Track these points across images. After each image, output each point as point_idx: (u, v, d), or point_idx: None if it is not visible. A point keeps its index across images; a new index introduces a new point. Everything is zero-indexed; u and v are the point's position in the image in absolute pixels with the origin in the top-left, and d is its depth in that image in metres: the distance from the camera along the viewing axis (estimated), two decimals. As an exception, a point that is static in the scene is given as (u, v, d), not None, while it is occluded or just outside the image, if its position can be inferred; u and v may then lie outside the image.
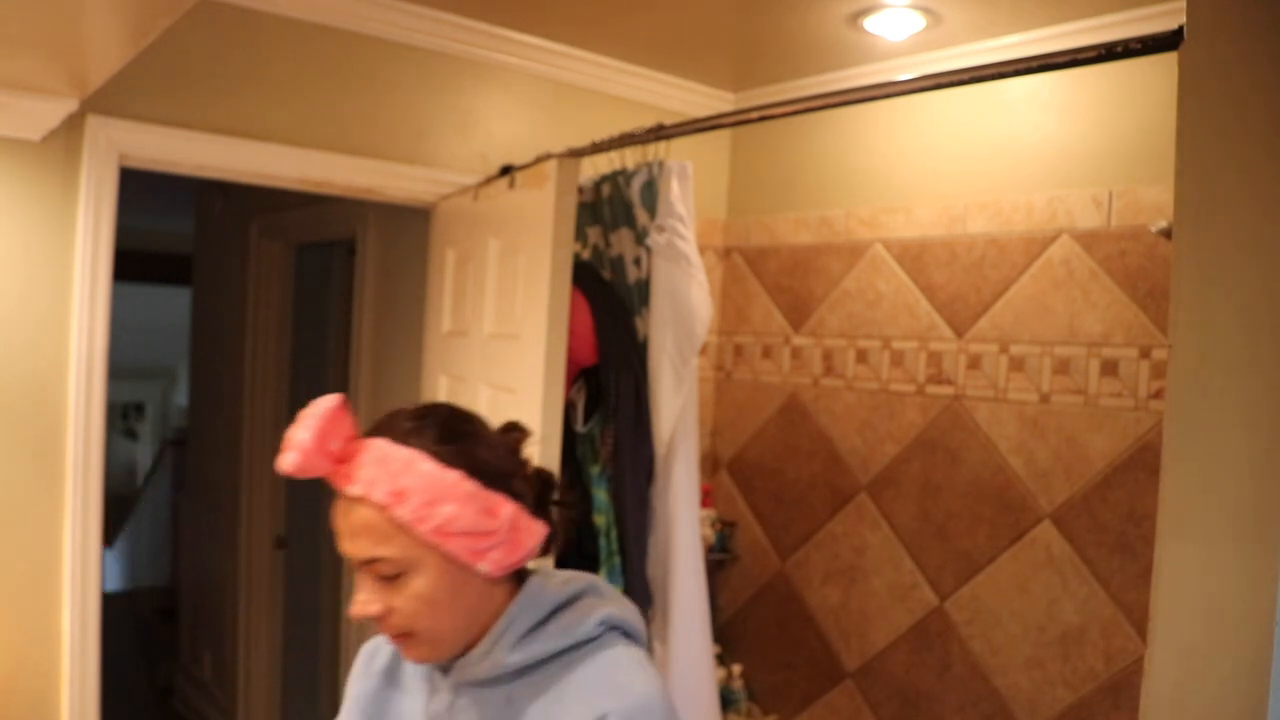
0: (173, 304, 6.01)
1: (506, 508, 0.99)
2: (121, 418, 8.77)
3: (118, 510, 7.15)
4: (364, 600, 0.99)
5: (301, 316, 3.80)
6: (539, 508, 1.04)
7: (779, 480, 2.83)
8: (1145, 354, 2.08)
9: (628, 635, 1.05)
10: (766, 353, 2.90)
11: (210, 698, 4.12)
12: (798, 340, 2.80)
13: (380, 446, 0.98)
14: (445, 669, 1.04)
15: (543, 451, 1.96)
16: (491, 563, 0.98)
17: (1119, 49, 1.28)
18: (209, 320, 4.28)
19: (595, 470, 2.31)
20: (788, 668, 2.80)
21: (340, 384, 3.53)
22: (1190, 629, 1.05)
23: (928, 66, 2.43)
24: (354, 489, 0.97)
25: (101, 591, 2.06)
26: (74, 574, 1.99)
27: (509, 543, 0.99)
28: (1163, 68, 1.55)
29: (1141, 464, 2.06)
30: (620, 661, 1.01)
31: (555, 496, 1.07)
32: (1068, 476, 2.18)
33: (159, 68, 2.02)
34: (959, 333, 2.41)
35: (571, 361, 2.17)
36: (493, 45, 2.48)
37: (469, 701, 1.02)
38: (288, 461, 0.97)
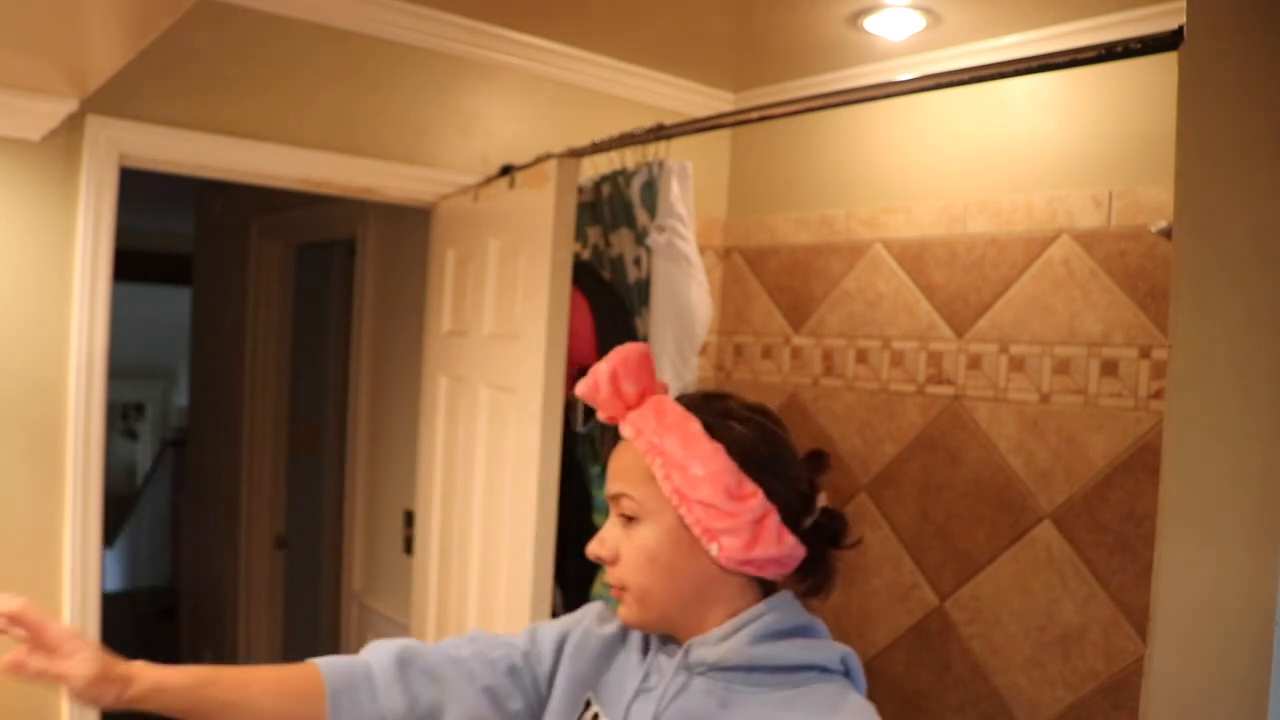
0: (173, 304, 6.01)
1: (757, 500, 0.98)
2: (121, 418, 8.77)
3: (118, 510, 7.15)
4: (600, 538, 1.04)
5: (301, 316, 3.80)
6: (817, 542, 1.02)
7: (779, 480, 2.83)
8: (1145, 354, 2.08)
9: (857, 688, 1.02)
10: (766, 353, 2.90)
11: (210, 698, 4.11)
12: (798, 340, 2.80)
13: (664, 401, 1.04)
14: (670, 650, 1.03)
15: (543, 452, 1.96)
16: (723, 548, 0.96)
17: (1119, 49, 1.28)
18: (209, 320, 4.28)
19: (595, 470, 2.31)
20: (788, 668, 2.80)
21: (340, 384, 3.53)
22: (1190, 629, 1.05)
23: (928, 66, 2.43)
24: (626, 430, 1.03)
25: (101, 591, 2.06)
26: (74, 574, 1.99)
27: (748, 535, 0.97)
28: (1163, 68, 1.55)
29: (1141, 464, 2.05)
30: (856, 703, 0.97)
31: (840, 540, 1.04)
32: (1068, 476, 2.18)
33: (159, 68, 2.02)
34: (959, 333, 2.41)
35: (571, 361, 2.17)
36: (493, 45, 2.48)
37: (685, 685, 0.99)
38: (582, 385, 1.06)
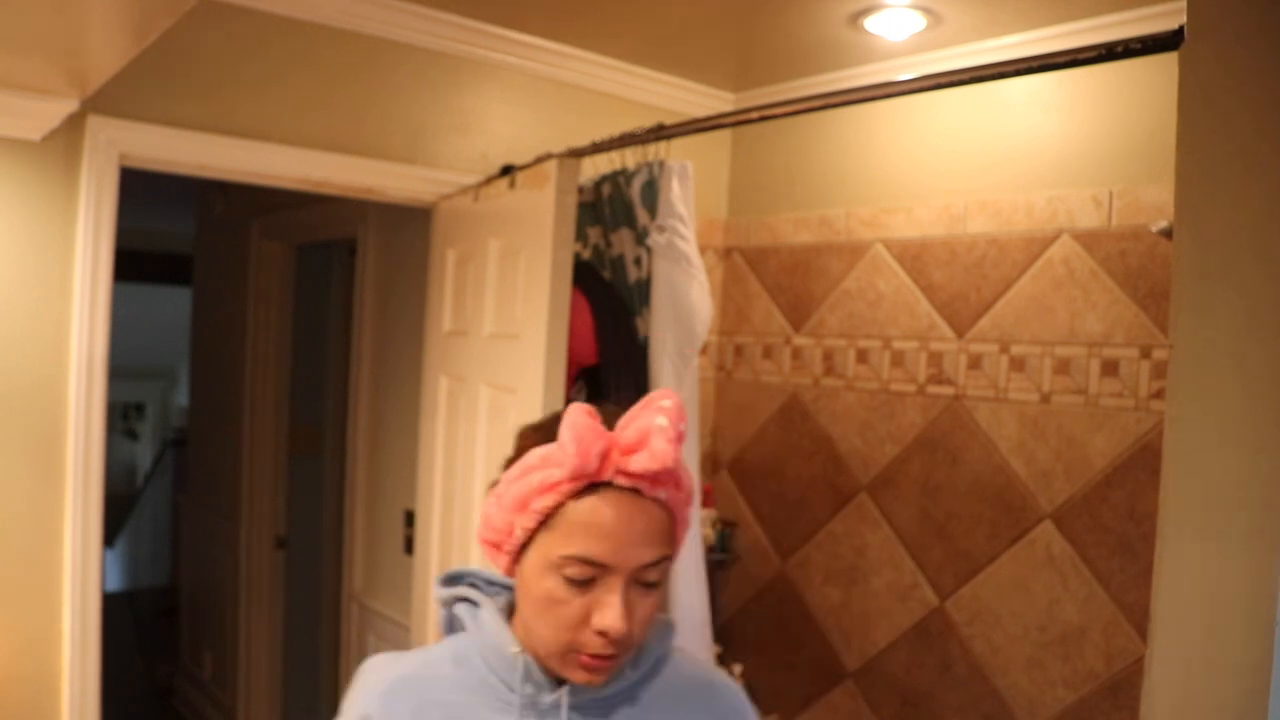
0: (173, 304, 6.01)
1: None
2: (121, 418, 8.77)
3: (118, 510, 7.15)
4: (628, 616, 0.89)
5: (301, 316, 3.80)
6: None
7: (779, 480, 2.83)
8: (1146, 354, 2.08)
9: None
10: (767, 353, 2.90)
11: (210, 698, 4.12)
12: (798, 340, 2.80)
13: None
14: (544, 694, 0.96)
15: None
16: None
17: (1119, 49, 1.28)
18: (209, 320, 4.28)
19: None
20: (788, 668, 2.80)
21: (340, 384, 3.53)
22: (1191, 628, 1.05)
23: (928, 66, 2.43)
24: (661, 492, 0.91)
25: (101, 591, 2.06)
26: (74, 574, 1.99)
27: None
28: (1163, 68, 1.55)
29: (1142, 464, 2.06)
30: (693, 657, 1.05)
31: None
32: (1068, 476, 2.18)
33: (159, 68, 2.02)
34: (959, 333, 2.41)
35: (571, 361, 2.17)
36: (493, 45, 2.48)
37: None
38: (666, 455, 0.88)
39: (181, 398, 7.89)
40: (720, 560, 2.94)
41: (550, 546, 0.91)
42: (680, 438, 0.90)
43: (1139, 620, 2.04)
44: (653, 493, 0.90)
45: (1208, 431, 1.04)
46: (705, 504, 2.83)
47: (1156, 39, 1.18)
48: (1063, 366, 2.21)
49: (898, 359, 2.54)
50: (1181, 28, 1.10)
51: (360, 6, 2.25)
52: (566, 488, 0.90)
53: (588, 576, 0.89)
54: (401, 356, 2.92)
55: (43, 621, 1.98)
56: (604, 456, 0.89)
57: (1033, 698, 2.22)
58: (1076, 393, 2.18)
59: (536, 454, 0.93)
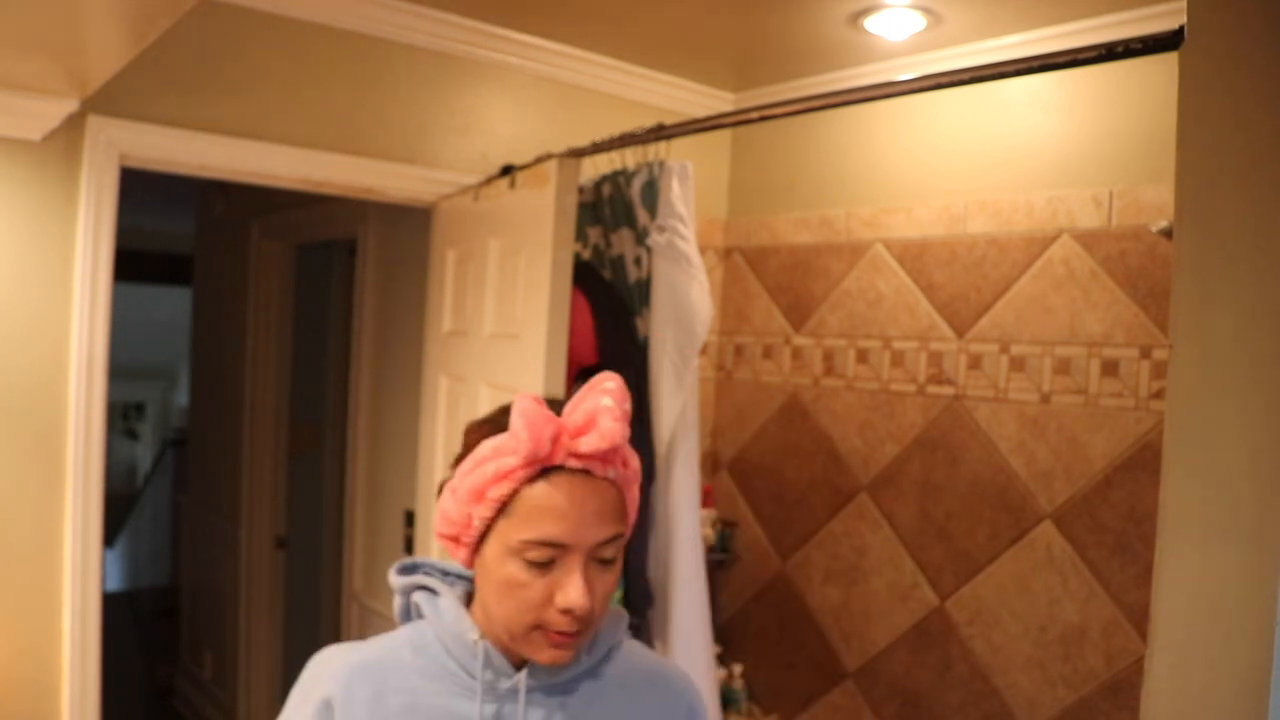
0: (173, 304, 6.01)
1: None
2: (121, 418, 8.77)
3: (118, 510, 7.15)
4: (590, 593, 0.92)
5: (301, 316, 3.80)
6: None
7: (779, 480, 2.83)
8: (1146, 354, 2.08)
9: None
10: (767, 353, 2.90)
11: (210, 698, 4.12)
12: (798, 340, 2.80)
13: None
14: (504, 679, 0.98)
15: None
16: None
17: (1119, 49, 1.28)
18: (209, 320, 4.28)
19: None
20: (788, 667, 2.80)
21: (341, 384, 3.54)
22: (1190, 629, 1.05)
23: (928, 66, 2.43)
24: (611, 470, 0.95)
25: (101, 591, 2.06)
26: (74, 574, 1.99)
27: None
28: (1163, 68, 1.55)
29: (1142, 464, 2.06)
30: (645, 648, 1.07)
31: None
32: (1068, 476, 2.18)
33: (159, 68, 2.02)
34: (959, 333, 2.41)
35: (571, 361, 2.17)
36: (493, 45, 2.48)
37: (534, 710, 0.98)
38: (615, 433, 0.92)
39: (181, 398, 7.89)
40: (720, 560, 2.94)
41: (509, 533, 0.93)
42: (626, 417, 0.93)
43: (1139, 620, 2.04)
44: (603, 472, 0.94)
45: (1208, 431, 1.04)
46: (705, 504, 2.83)
47: (1156, 39, 1.18)
48: (1063, 366, 2.21)
49: (898, 359, 2.54)
50: (1181, 28, 1.10)
51: (360, 7, 2.25)
52: (521, 474, 0.92)
53: (548, 558, 0.92)
54: (401, 356, 2.92)
55: (43, 621, 1.98)
56: (555, 440, 0.92)
57: (1033, 698, 2.22)
58: (1076, 393, 2.18)
59: (488, 445, 0.94)
